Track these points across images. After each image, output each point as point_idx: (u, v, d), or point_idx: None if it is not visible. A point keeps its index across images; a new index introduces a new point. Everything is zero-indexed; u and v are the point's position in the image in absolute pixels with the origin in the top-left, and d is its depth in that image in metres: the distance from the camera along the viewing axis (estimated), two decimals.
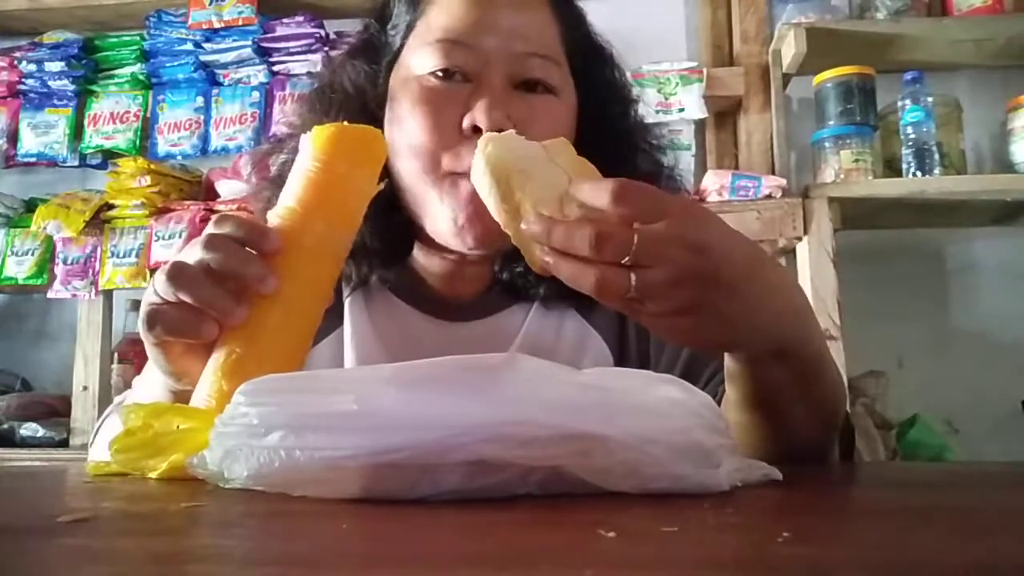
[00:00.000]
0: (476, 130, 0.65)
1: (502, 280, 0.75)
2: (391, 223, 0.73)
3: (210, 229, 0.55)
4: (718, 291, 0.47)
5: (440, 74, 0.68)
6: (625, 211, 0.46)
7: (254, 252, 0.54)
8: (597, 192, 0.47)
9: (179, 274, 0.53)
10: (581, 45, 0.76)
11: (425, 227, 0.71)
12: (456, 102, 0.67)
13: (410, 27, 0.73)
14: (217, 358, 0.54)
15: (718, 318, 0.48)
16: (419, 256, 0.78)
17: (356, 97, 0.75)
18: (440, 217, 0.68)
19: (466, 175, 0.64)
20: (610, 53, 0.79)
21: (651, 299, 0.46)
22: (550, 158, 0.51)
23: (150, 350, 0.57)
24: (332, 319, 0.75)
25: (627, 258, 0.45)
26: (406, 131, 0.69)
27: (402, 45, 0.73)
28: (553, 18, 0.72)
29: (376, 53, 0.76)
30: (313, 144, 0.57)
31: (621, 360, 0.75)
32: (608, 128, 0.75)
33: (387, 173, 0.69)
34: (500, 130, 0.62)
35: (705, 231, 0.47)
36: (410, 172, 0.69)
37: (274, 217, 0.56)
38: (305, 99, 0.80)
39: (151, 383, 0.65)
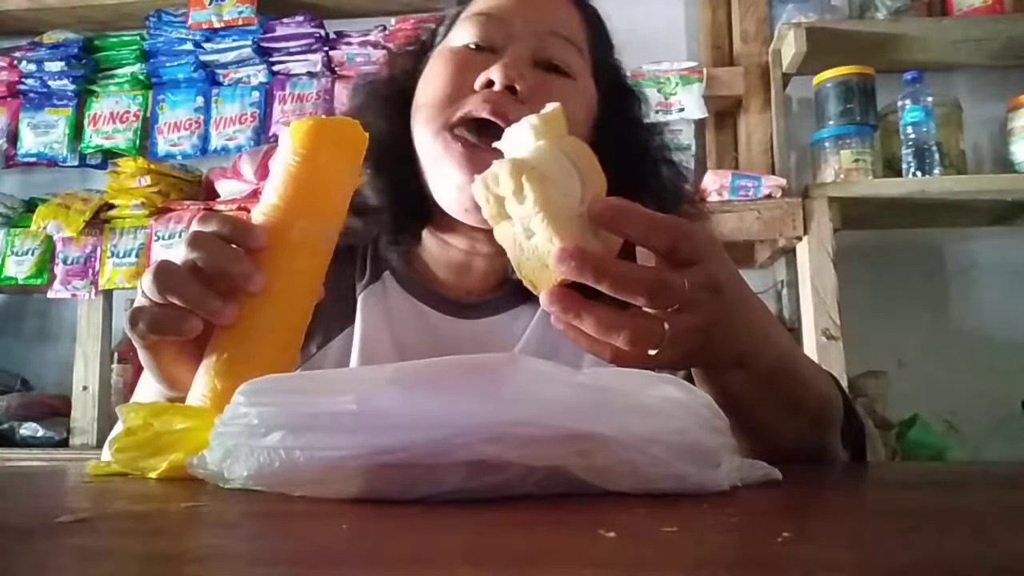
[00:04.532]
0: (488, 85, 0.68)
1: (512, 280, 0.76)
2: (409, 186, 0.74)
3: (195, 227, 0.55)
4: (714, 326, 0.47)
5: (472, 46, 0.72)
6: (679, 257, 0.44)
7: (240, 249, 0.54)
8: (654, 230, 0.44)
9: (165, 275, 0.53)
10: (607, 66, 0.79)
11: (436, 196, 0.72)
12: (478, 68, 0.70)
13: (455, 19, 0.78)
14: (210, 357, 0.54)
15: (706, 350, 0.48)
16: (430, 246, 0.78)
17: (400, 86, 0.78)
18: (445, 181, 0.70)
19: (464, 124, 0.67)
20: (638, 93, 0.82)
21: (674, 344, 0.45)
22: (559, 150, 0.45)
23: (141, 354, 0.57)
24: (344, 318, 0.76)
25: (674, 306, 0.44)
26: (426, 91, 0.72)
27: (446, 33, 0.78)
28: (582, 23, 0.77)
29: (426, 50, 0.80)
30: (292, 138, 0.56)
31: None
32: (631, 156, 0.76)
33: (408, 146, 0.73)
34: (511, 87, 0.67)
35: (721, 269, 0.47)
36: (422, 132, 0.71)
37: (258, 214, 0.56)
38: (357, 92, 0.83)
39: (146, 394, 0.65)
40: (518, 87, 0.67)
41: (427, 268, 0.79)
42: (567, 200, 0.44)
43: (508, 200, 0.44)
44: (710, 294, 0.45)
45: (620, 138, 0.75)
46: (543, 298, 0.45)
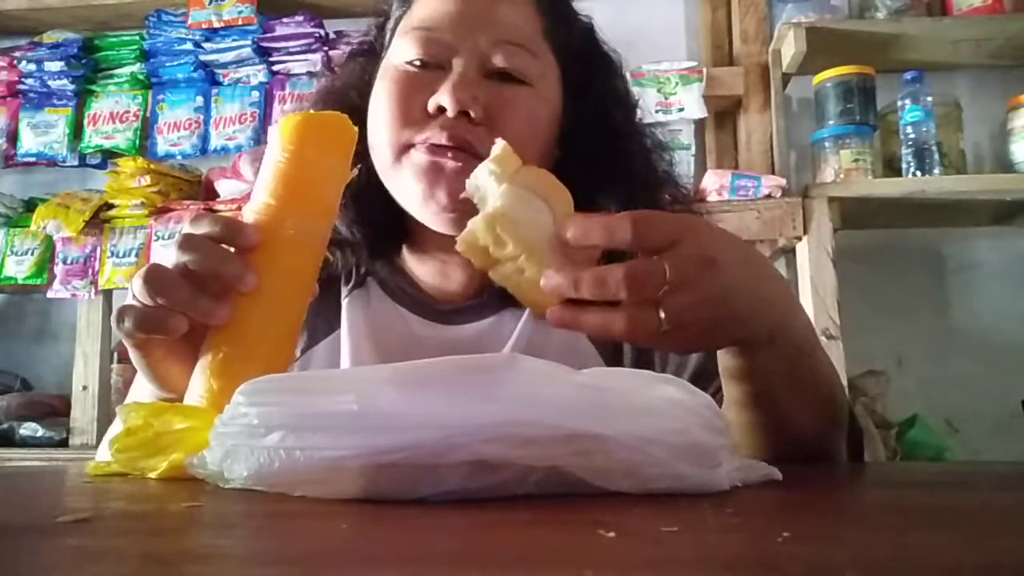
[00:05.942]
0: (441, 110, 0.66)
1: (492, 285, 0.75)
2: (379, 213, 0.73)
3: (186, 229, 0.55)
4: (731, 298, 0.47)
5: (417, 63, 0.70)
6: (649, 243, 0.46)
7: (231, 250, 0.54)
8: (615, 230, 0.46)
9: (156, 278, 0.53)
10: (574, 44, 0.76)
11: (407, 211, 0.71)
12: (426, 88, 0.68)
13: (398, 22, 0.75)
14: (205, 357, 0.54)
15: (731, 322, 0.49)
16: (408, 259, 0.78)
17: (353, 95, 0.76)
18: (411, 193, 0.69)
19: (425, 148, 0.66)
20: (611, 58, 0.79)
21: (679, 325, 0.46)
22: (521, 187, 0.49)
23: (131, 353, 0.58)
24: (330, 320, 0.76)
25: (662, 290, 0.45)
26: (378, 116, 0.71)
27: (390, 40, 0.75)
28: (536, 12, 0.73)
29: (375, 55, 0.78)
30: (281, 135, 0.56)
31: (613, 366, 0.75)
32: (605, 131, 0.75)
33: (368, 163, 0.71)
34: (466, 112, 0.65)
35: (710, 243, 0.47)
36: (380, 155, 0.70)
37: (249, 213, 0.56)
38: (306, 100, 0.81)
39: (140, 394, 0.65)
40: (472, 112, 0.66)
41: (408, 276, 0.79)
42: (542, 231, 0.49)
43: (492, 249, 0.49)
44: (701, 268, 0.46)
45: (591, 125, 0.74)
46: (548, 319, 0.48)
